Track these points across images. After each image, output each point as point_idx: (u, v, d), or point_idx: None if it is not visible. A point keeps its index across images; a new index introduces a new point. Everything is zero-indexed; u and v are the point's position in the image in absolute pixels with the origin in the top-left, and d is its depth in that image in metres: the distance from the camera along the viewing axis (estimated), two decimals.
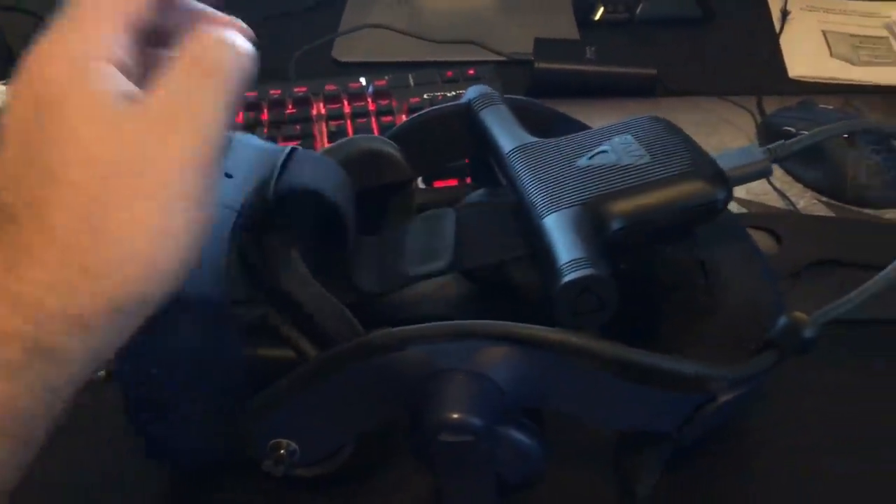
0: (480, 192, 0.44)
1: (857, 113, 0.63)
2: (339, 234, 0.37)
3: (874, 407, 0.43)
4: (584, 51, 0.68)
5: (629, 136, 0.37)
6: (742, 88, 0.67)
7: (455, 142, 0.45)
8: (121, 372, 0.35)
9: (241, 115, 0.60)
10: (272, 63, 0.71)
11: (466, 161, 0.47)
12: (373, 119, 0.60)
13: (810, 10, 0.78)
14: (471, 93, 0.44)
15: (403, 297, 0.46)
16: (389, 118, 0.60)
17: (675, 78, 0.68)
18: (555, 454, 0.36)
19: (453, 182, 0.55)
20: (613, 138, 0.37)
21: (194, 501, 0.40)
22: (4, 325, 0.24)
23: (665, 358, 0.31)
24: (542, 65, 0.68)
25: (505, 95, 0.44)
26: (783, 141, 0.38)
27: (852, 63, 0.71)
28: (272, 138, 0.57)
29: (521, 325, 0.31)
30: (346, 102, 0.62)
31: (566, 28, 0.76)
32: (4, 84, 0.63)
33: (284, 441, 0.35)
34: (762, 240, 0.52)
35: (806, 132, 0.57)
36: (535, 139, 0.39)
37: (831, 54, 0.72)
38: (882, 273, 0.36)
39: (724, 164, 0.36)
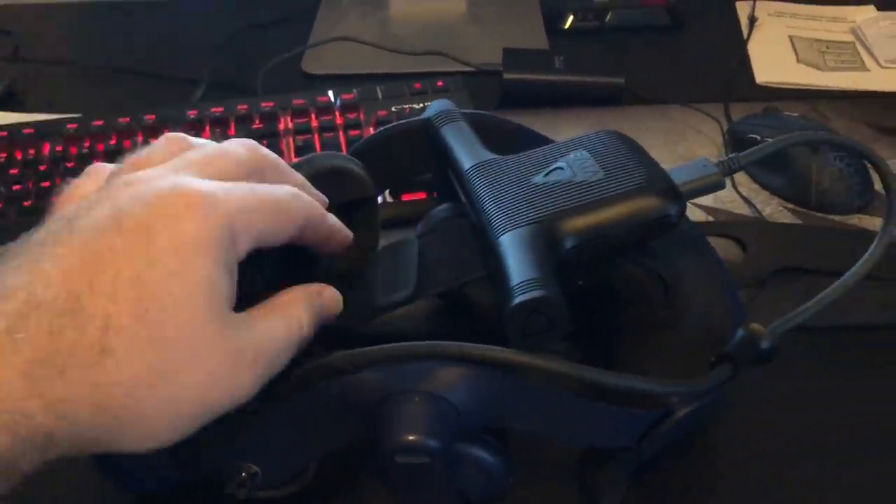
0: (445, 206, 0.44)
1: (823, 119, 0.63)
2: (307, 266, 0.37)
3: (839, 413, 0.43)
4: (552, 60, 0.69)
5: (585, 152, 0.37)
6: (710, 95, 0.67)
7: (418, 156, 0.45)
8: None
9: (207, 130, 0.60)
10: (241, 76, 0.71)
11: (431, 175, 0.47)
12: (340, 133, 0.60)
13: (778, 16, 0.79)
14: (431, 109, 0.44)
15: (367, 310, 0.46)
16: (357, 132, 0.60)
17: (644, 86, 0.68)
18: (519, 470, 0.36)
19: (421, 195, 0.55)
20: (569, 154, 0.37)
21: None
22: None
23: (618, 375, 0.32)
24: (511, 75, 0.68)
25: (466, 111, 0.44)
26: (735, 154, 0.38)
27: (819, 68, 0.71)
28: None
29: (474, 345, 0.31)
30: (313, 116, 0.61)
31: (535, 37, 0.76)
32: None
33: (245, 464, 0.35)
34: (728, 248, 0.52)
35: (769, 139, 0.58)
36: (493, 156, 0.39)
37: (798, 60, 0.73)
38: (839, 281, 0.37)
39: (676, 178, 0.36)
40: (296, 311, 0.32)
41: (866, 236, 0.53)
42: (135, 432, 0.27)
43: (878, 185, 0.56)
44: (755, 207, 0.56)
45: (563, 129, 0.63)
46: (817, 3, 0.80)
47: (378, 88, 0.64)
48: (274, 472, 0.35)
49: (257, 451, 0.34)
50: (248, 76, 0.70)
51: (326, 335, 0.35)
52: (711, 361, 0.34)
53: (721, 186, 0.37)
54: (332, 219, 0.35)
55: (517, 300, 0.31)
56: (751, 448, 0.42)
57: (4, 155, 0.58)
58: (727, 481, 0.41)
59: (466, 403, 0.32)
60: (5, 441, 0.24)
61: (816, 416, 0.43)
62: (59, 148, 0.59)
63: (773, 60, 0.73)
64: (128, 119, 0.61)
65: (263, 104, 0.62)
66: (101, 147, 0.59)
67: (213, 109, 0.62)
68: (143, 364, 0.26)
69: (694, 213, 0.55)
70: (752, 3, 0.78)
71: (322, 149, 0.59)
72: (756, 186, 0.58)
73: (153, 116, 0.61)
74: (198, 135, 0.60)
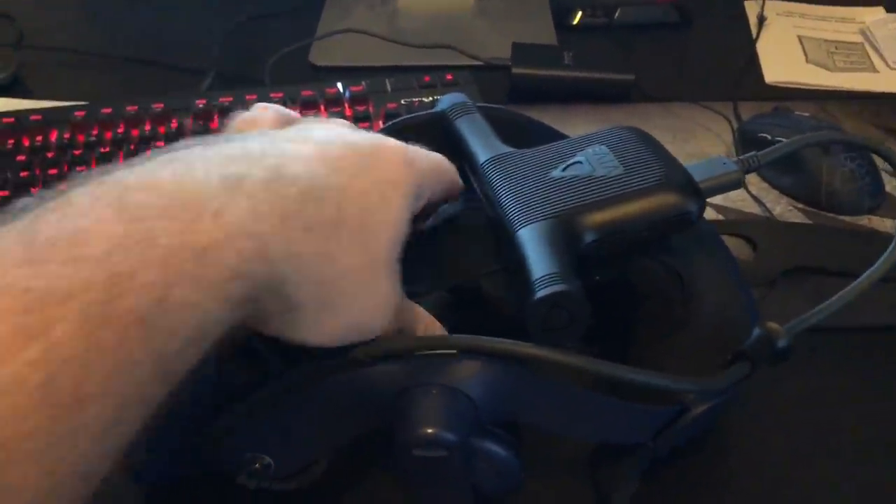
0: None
1: (832, 120, 0.63)
2: None
3: (852, 413, 0.43)
4: (561, 56, 0.68)
5: (604, 147, 0.37)
6: (719, 94, 0.67)
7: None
8: None
9: (215, 120, 0.60)
10: (249, 67, 0.71)
11: None
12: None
13: (787, 16, 0.79)
14: (445, 101, 0.44)
15: None
16: (366, 124, 0.60)
17: (652, 83, 0.68)
18: (531, 464, 0.36)
19: None
20: (588, 149, 0.37)
21: None
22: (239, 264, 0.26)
23: (636, 371, 0.31)
24: (520, 70, 0.68)
25: (480, 104, 0.44)
26: (754, 153, 0.38)
27: (828, 69, 0.71)
28: None
29: (492, 339, 0.31)
30: (322, 108, 0.61)
31: (544, 33, 0.76)
32: None
33: (258, 455, 0.35)
34: (738, 247, 0.52)
35: (781, 139, 0.58)
36: (509, 149, 0.39)
37: (807, 60, 0.73)
38: (855, 282, 0.37)
39: (696, 175, 0.36)
40: (429, 322, 0.35)
41: (877, 237, 0.53)
42: (317, 322, 0.29)
43: (889, 187, 0.56)
44: (765, 207, 0.56)
45: (572, 125, 0.62)
46: (826, 3, 0.80)
47: (387, 81, 0.64)
48: (287, 463, 0.35)
49: (271, 442, 0.34)
50: (255, 67, 0.70)
51: None
52: (728, 360, 0.34)
53: (740, 185, 0.37)
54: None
55: (539, 294, 0.30)
56: (764, 447, 0.42)
57: (12, 142, 0.58)
58: (740, 479, 0.41)
59: (483, 397, 0.32)
60: (249, 287, 0.26)
61: (829, 415, 0.43)
62: (66, 135, 0.58)
63: (782, 60, 0.73)
64: (136, 107, 0.60)
65: (272, 94, 0.62)
66: (108, 135, 0.59)
67: (222, 99, 0.61)
68: (355, 261, 0.29)
69: (704, 212, 0.55)
70: (760, 2, 0.78)
71: None
72: (766, 186, 0.58)
73: (161, 105, 0.61)
74: (205, 125, 0.60)
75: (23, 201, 0.25)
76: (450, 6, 0.80)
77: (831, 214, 0.55)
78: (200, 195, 0.25)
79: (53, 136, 0.59)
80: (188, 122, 0.60)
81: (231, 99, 0.61)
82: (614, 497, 0.38)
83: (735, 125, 0.63)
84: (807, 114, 0.61)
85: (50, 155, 0.57)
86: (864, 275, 0.37)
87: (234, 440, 0.34)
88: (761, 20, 0.77)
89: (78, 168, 0.56)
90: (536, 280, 0.31)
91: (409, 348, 0.31)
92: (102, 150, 0.58)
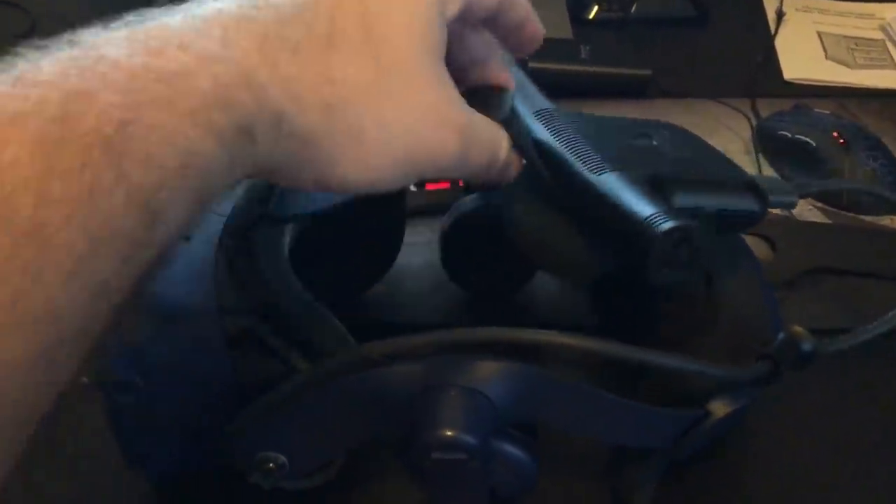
0: (473, 196, 0.44)
1: (852, 118, 0.62)
2: (331, 247, 0.36)
3: (875, 419, 0.43)
4: (578, 50, 0.67)
5: (666, 132, 0.36)
6: (736, 90, 0.66)
7: None
8: (103, 381, 0.34)
9: None
10: None
11: None
12: None
13: (805, 11, 0.78)
14: None
15: (394, 304, 0.45)
16: None
17: (669, 78, 0.67)
18: (549, 467, 0.35)
19: (445, 185, 0.54)
20: (651, 128, 0.36)
21: None
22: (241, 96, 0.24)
23: (663, 355, 0.31)
24: (536, 64, 0.67)
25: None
26: (811, 180, 0.38)
27: (848, 66, 0.70)
28: None
29: (512, 329, 0.30)
30: None
31: (560, 26, 0.75)
32: None
33: (273, 454, 0.34)
34: (757, 246, 0.51)
35: (801, 137, 0.57)
36: (557, 108, 0.38)
37: (826, 56, 0.72)
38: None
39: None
40: (504, 142, 0.31)
41: None
42: (347, 154, 0.26)
43: None
44: None
45: None
46: None
47: None
48: (302, 462, 0.34)
49: (286, 441, 0.34)
50: None
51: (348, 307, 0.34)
52: (753, 362, 0.34)
53: (793, 205, 0.38)
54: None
55: (665, 226, 0.29)
56: (784, 451, 0.41)
57: None
58: (759, 484, 0.40)
59: (502, 398, 0.31)
60: (236, 115, 0.23)
61: (851, 420, 0.43)
62: None
63: (801, 56, 0.72)
64: None
65: None
66: None
67: None
68: (364, 76, 0.26)
69: None
70: None
71: None
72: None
73: None
74: None
75: None
76: None
77: (852, 214, 0.54)
78: (166, 29, 0.24)
79: None
80: None
81: None
82: (633, 501, 0.37)
83: (753, 122, 0.62)
84: (827, 112, 0.60)
85: None
86: None
87: (248, 439, 0.34)
88: (780, 15, 0.75)
89: None
90: (651, 215, 0.30)
91: (426, 344, 0.31)
92: None
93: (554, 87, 0.65)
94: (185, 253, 0.36)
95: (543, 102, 0.38)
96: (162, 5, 0.26)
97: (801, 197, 0.38)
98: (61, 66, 0.21)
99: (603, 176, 0.33)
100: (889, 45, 0.73)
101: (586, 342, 0.31)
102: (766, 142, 0.59)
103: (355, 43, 0.26)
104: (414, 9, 0.27)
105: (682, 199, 0.32)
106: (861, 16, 0.77)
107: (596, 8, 0.77)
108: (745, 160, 0.59)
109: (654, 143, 0.35)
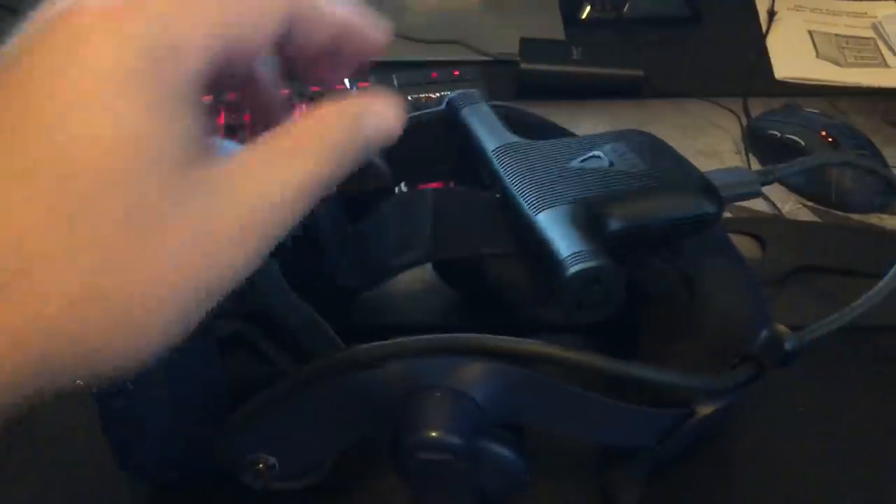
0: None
1: (843, 116, 0.62)
2: (316, 240, 0.36)
3: (861, 415, 0.43)
4: (570, 51, 0.68)
5: (622, 145, 0.37)
6: (728, 89, 0.66)
7: (438, 148, 0.45)
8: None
9: (222, 116, 0.60)
10: None
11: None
12: None
13: (797, 10, 0.78)
14: (452, 95, 0.43)
15: (386, 305, 0.45)
16: None
17: (661, 79, 0.68)
18: (536, 466, 0.36)
19: (438, 185, 0.54)
20: (605, 145, 0.37)
21: None
22: None
23: (644, 367, 0.31)
24: (528, 65, 0.67)
25: (490, 103, 0.44)
26: (773, 167, 0.38)
27: (839, 64, 0.71)
28: None
29: (498, 338, 0.31)
30: None
31: (552, 27, 0.75)
32: None
33: (263, 455, 0.35)
34: (746, 245, 0.52)
35: (791, 136, 0.57)
36: (520, 139, 0.39)
37: (818, 55, 0.72)
38: (875, 289, 0.36)
39: (717, 181, 0.36)
40: (315, 146, 0.23)
41: (887, 236, 0.53)
42: (111, 348, 0.20)
43: None
44: (774, 204, 0.55)
45: (581, 120, 0.62)
46: None
47: (394, 76, 0.63)
48: (292, 463, 0.35)
49: (276, 442, 0.34)
50: None
51: (339, 309, 0.34)
52: (734, 363, 0.34)
53: (757, 195, 0.37)
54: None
55: (573, 269, 0.30)
56: (771, 449, 0.42)
57: None
58: (744, 483, 0.40)
59: (489, 399, 0.32)
60: None
61: (838, 417, 0.43)
62: None
63: (792, 55, 0.72)
64: None
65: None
66: None
67: (228, 96, 0.61)
68: (74, 275, 0.19)
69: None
70: None
71: None
72: (774, 183, 0.57)
73: None
74: (212, 122, 0.59)
75: None
76: (457, 1, 0.79)
77: (841, 212, 0.55)
78: None
79: None
80: None
81: (234, 96, 0.61)
82: (620, 500, 0.38)
83: (744, 122, 0.62)
84: (816, 111, 0.60)
85: None
86: (883, 281, 0.37)
87: (238, 440, 0.34)
88: (771, 15, 0.76)
89: None
90: (567, 257, 0.30)
91: (415, 349, 0.31)
92: None
93: (547, 88, 0.67)
94: None
95: (505, 137, 0.39)
96: None
97: (766, 183, 0.38)
98: None
99: (538, 216, 0.33)
100: (880, 43, 0.73)
101: (570, 354, 0.31)
102: (756, 141, 0.59)
103: (45, 234, 0.18)
104: (111, 132, 0.19)
105: (619, 221, 0.33)
106: (852, 14, 0.77)
107: (588, 8, 0.77)
108: (736, 160, 0.59)
109: (604, 160, 0.36)
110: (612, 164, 0.36)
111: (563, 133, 0.44)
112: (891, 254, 0.39)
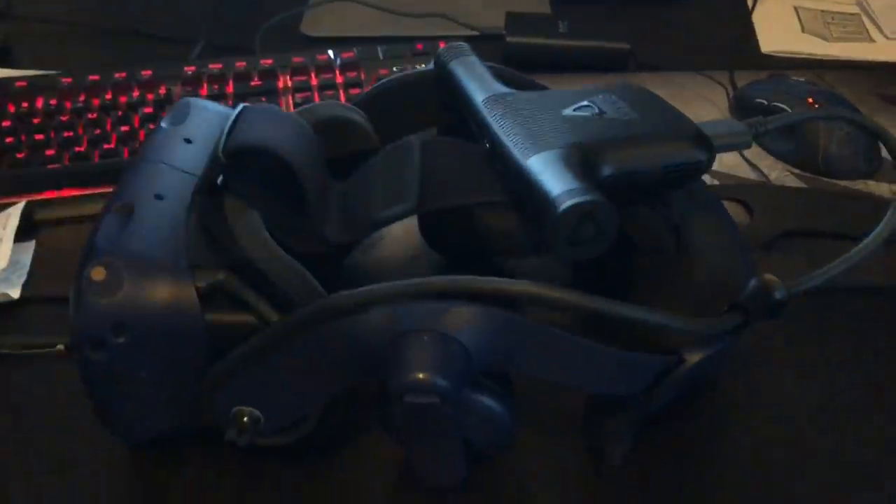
0: None
1: (827, 86, 0.62)
2: (298, 189, 0.36)
3: (846, 373, 0.43)
4: (556, 25, 0.68)
5: (613, 95, 0.36)
6: (715, 63, 0.66)
7: (423, 108, 0.44)
8: (77, 339, 0.33)
9: (204, 87, 0.59)
10: (238, 37, 0.70)
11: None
12: (340, 91, 0.59)
13: None
14: (440, 49, 0.43)
15: (373, 274, 0.45)
16: (357, 90, 0.59)
17: (649, 54, 0.68)
18: (524, 423, 0.35)
19: None
20: (597, 95, 0.37)
21: (156, 475, 0.39)
22: None
23: (633, 307, 0.31)
24: (514, 39, 0.67)
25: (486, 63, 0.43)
26: (762, 118, 0.38)
27: (824, 39, 0.71)
28: None
29: (484, 278, 0.31)
30: (313, 75, 0.60)
31: (538, 2, 0.75)
32: None
33: (247, 409, 0.34)
34: (734, 211, 0.51)
35: (778, 104, 0.57)
36: (509, 90, 0.38)
37: (803, 30, 0.72)
38: (858, 247, 0.36)
39: (707, 131, 0.35)
40: None
41: (873, 201, 0.53)
42: None
43: (885, 152, 0.56)
44: (761, 172, 0.55)
45: None
46: None
47: (379, 48, 0.63)
48: (276, 417, 0.34)
49: (261, 395, 0.34)
50: (245, 37, 0.69)
51: (325, 268, 0.34)
52: (723, 311, 0.34)
53: (748, 145, 0.37)
54: None
55: (567, 204, 0.29)
56: (757, 411, 0.41)
57: None
58: (731, 440, 0.40)
59: (476, 345, 0.31)
60: None
61: (824, 375, 0.43)
62: (52, 101, 0.57)
63: (778, 30, 0.72)
64: (124, 74, 0.59)
65: (262, 61, 0.61)
66: (96, 101, 0.58)
67: (212, 66, 0.60)
68: None
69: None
70: None
71: None
72: (762, 152, 0.57)
73: (150, 72, 0.60)
74: (195, 91, 0.59)
75: None
76: None
77: (827, 179, 0.55)
78: None
79: (39, 104, 0.58)
80: (177, 89, 0.59)
81: (221, 66, 0.61)
82: (608, 453, 0.37)
83: (731, 92, 0.62)
84: (802, 79, 0.60)
85: (36, 121, 0.56)
86: (868, 238, 0.36)
87: (222, 393, 0.34)
88: None
89: (65, 134, 0.55)
90: (560, 194, 0.30)
91: (398, 293, 0.31)
92: (90, 115, 0.57)
93: (533, 61, 0.66)
94: (157, 211, 0.36)
95: (495, 88, 0.39)
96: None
97: (757, 134, 0.38)
98: None
99: (530, 160, 0.33)
100: (865, 19, 0.73)
101: (558, 293, 0.31)
102: (743, 110, 0.59)
103: None
104: None
105: (612, 166, 0.33)
106: None
107: None
108: None
109: (597, 111, 0.35)
110: (603, 112, 0.35)
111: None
112: (876, 217, 0.38)
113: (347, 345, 0.32)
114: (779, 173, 0.55)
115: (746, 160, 0.56)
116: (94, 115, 0.57)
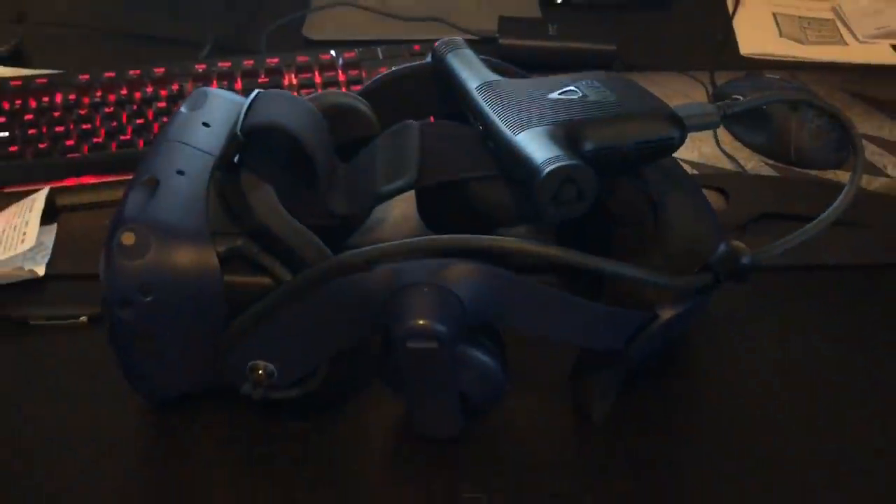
0: None
1: (800, 83, 0.66)
2: (309, 165, 0.39)
3: (813, 342, 0.47)
4: (546, 28, 0.72)
5: (596, 81, 0.40)
6: (697, 65, 0.70)
7: (423, 97, 0.48)
8: (107, 298, 0.37)
9: (214, 83, 0.63)
10: (243, 40, 0.73)
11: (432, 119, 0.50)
12: (343, 88, 0.63)
13: None
14: (437, 44, 0.47)
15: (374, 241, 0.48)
16: (359, 87, 0.62)
17: (634, 56, 0.71)
18: (514, 382, 0.39)
19: None
20: (580, 81, 0.40)
21: (175, 431, 0.42)
22: None
23: (610, 261, 0.35)
24: (507, 41, 0.71)
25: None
26: (732, 100, 0.42)
27: (800, 42, 0.75)
28: None
29: (479, 236, 0.34)
30: (316, 73, 0.64)
31: (529, 8, 0.79)
32: None
33: (262, 363, 0.37)
34: (712, 198, 0.55)
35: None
36: (501, 77, 0.42)
37: (781, 34, 0.76)
38: (815, 220, 0.40)
39: (680, 112, 0.39)
40: None
41: (840, 188, 0.56)
42: None
43: None
44: (738, 162, 0.59)
45: None
46: None
47: (378, 49, 0.67)
48: (289, 369, 0.38)
49: (274, 350, 0.37)
50: (250, 40, 0.72)
51: (332, 238, 0.37)
52: (695, 273, 0.37)
53: (717, 125, 0.41)
54: None
55: (550, 168, 0.33)
56: (733, 367, 0.45)
57: (19, 102, 0.61)
58: (711, 399, 0.44)
59: (470, 298, 0.35)
60: None
61: (793, 343, 0.46)
62: (72, 97, 0.61)
63: (756, 34, 0.76)
64: (139, 71, 0.63)
65: (269, 60, 0.64)
66: (112, 97, 0.61)
67: (221, 64, 0.64)
68: None
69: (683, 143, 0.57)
70: None
71: None
72: (738, 144, 0.61)
73: (163, 69, 0.63)
74: (205, 87, 0.62)
75: None
76: None
77: (799, 170, 0.58)
78: None
79: (59, 98, 0.61)
80: (188, 86, 0.63)
81: (230, 64, 0.64)
82: (593, 409, 0.41)
83: (710, 91, 0.66)
84: (777, 76, 0.64)
85: (56, 114, 0.60)
86: (827, 212, 0.40)
87: (239, 348, 0.37)
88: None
89: (83, 126, 0.59)
90: (544, 161, 0.34)
91: (399, 251, 0.34)
92: (107, 109, 0.60)
93: (525, 62, 0.70)
94: (179, 185, 0.39)
95: (486, 76, 0.42)
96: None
97: (726, 115, 0.41)
98: None
99: (519, 136, 0.37)
100: (839, 24, 0.77)
101: (546, 249, 0.34)
102: None
103: None
104: None
105: (593, 142, 0.37)
106: None
107: None
108: None
109: (581, 94, 0.39)
110: (586, 96, 0.39)
111: None
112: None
113: (354, 301, 0.35)
114: (755, 164, 0.59)
115: (724, 152, 0.60)
116: (111, 109, 0.60)
